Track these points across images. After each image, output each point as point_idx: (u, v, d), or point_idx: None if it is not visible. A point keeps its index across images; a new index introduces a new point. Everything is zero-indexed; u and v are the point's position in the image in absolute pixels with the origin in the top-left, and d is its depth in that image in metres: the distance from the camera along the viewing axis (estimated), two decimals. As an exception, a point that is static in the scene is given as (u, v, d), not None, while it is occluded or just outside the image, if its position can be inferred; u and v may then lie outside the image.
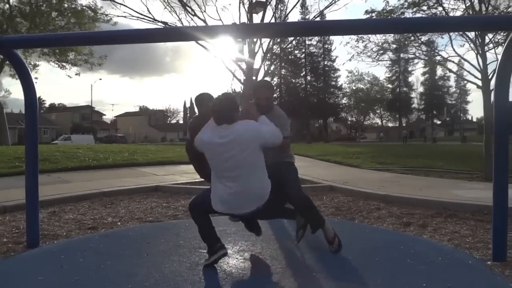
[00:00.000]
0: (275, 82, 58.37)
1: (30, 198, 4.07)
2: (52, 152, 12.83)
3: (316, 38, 60.68)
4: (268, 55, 11.85)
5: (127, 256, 3.62)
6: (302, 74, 61.78)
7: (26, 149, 4.11)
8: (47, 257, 3.64)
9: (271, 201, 3.16)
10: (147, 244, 3.97)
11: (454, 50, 15.80)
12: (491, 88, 9.70)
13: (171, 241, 4.02)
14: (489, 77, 9.73)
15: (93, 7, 22.88)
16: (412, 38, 11.36)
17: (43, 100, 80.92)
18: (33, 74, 4.23)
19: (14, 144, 24.81)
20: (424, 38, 11.56)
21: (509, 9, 9.66)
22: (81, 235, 4.57)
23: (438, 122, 73.62)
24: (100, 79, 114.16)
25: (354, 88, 57.47)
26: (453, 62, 11.74)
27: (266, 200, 3.12)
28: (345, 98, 61.55)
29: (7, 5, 22.59)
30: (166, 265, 3.37)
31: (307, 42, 60.43)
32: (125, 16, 11.46)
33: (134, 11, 10.93)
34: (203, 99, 3.92)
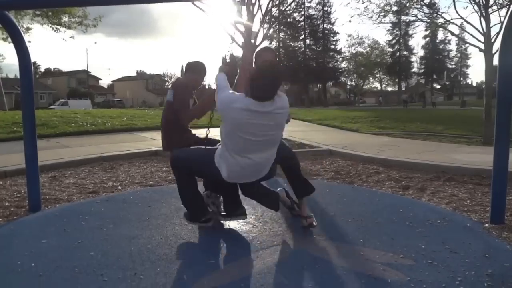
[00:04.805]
0: (273, 46, 57.33)
1: (30, 163, 4.06)
2: (50, 117, 12.77)
3: (316, 0, 59.27)
4: (267, 17, 11.54)
5: (129, 219, 3.65)
6: (301, 38, 60.63)
7: (23, 114, 4.06)
8: (50, 220, 3.67)
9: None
10: (148, 208, 4.00)
11: (457, 12, 15.53)
12: (493, 51, 9.55)
13: (172, 205, 4.05)
14: (492, 40, 9.56)
15: None
16: (414, -1, 11.09)
17: (39, 65, 79.60)
18: (26, 38, 4.10)
19: (11, 109, 24.62)
20: (426, 0, 11.27)
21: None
22: (83, 199, 4.60)
23: (438, 87, 73.04)
24: (95, 42, 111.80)
25: (353, 52, 56.52)
26: (455, 24, 11.51)
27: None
28: (344, 62, 60.62)
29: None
30: (168, 228, 3.40)
31: (306, 4, 59.03)
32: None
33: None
34: (197, 65, 3.79)
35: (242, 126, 2.74)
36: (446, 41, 68.45)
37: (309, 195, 3.51)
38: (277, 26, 53.43)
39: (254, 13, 9.94)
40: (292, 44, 61.00)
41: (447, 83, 71.01)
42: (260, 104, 2.69)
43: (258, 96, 2.70)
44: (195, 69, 3.75)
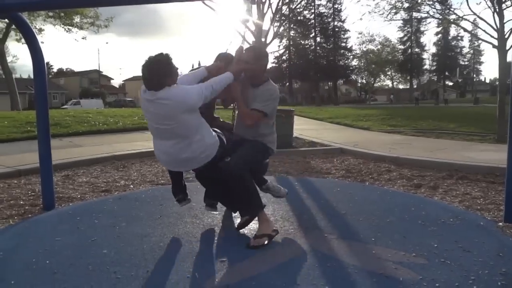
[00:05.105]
0: (284, 44, 57.19)
1: (44, 162, 4.12)
2: (63, 117, 12.92)
3: (327, -3, 58.96)
4: (277, 16, 11.51)
5: (141, 217, 3.69)
6: (311, 36, 60.33)
7: (37, 114, 4.12)
8: (63, 218, 3.72)
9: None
10: (160, 206, 4.04)
11: (469, 8, 15.24)
12: (507, 47, 9.41)
13: (184, 203, 4.07)
14: (506, 37, 9.42)
15: None
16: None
17: (51, 65, 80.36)
18: (39, 38, 4.16)
19: (25, 109, 24.95)
20: (438, -5, 11.16)
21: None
22: (95, 198, 4.66)
23: (450, 84, 72.11)
24: (107, 43, 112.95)
25: (364, 49, 56.05)
26: (468, 21, 11.41)
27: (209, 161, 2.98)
28: (355, 60, 60.23)
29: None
30: (180, 226, 3.43)
31: (316, 2, 58.69)
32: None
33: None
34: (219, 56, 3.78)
35: (145, 112, 2.99)
36: (459, 38, 67.47)
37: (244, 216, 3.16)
38: (287, 24, 53.19)
39: (264, 11, 9.93)
40: (303, 42, 60.76)
41: (460, 80, 70.08)
42: (148, 93, 2.85)
43: (144, 84, 2.88)
44: (217, 58, 3.74)
